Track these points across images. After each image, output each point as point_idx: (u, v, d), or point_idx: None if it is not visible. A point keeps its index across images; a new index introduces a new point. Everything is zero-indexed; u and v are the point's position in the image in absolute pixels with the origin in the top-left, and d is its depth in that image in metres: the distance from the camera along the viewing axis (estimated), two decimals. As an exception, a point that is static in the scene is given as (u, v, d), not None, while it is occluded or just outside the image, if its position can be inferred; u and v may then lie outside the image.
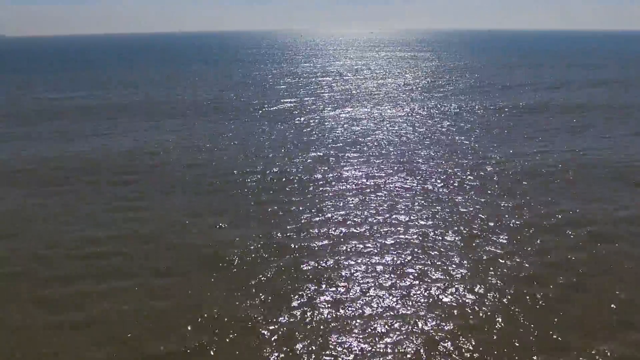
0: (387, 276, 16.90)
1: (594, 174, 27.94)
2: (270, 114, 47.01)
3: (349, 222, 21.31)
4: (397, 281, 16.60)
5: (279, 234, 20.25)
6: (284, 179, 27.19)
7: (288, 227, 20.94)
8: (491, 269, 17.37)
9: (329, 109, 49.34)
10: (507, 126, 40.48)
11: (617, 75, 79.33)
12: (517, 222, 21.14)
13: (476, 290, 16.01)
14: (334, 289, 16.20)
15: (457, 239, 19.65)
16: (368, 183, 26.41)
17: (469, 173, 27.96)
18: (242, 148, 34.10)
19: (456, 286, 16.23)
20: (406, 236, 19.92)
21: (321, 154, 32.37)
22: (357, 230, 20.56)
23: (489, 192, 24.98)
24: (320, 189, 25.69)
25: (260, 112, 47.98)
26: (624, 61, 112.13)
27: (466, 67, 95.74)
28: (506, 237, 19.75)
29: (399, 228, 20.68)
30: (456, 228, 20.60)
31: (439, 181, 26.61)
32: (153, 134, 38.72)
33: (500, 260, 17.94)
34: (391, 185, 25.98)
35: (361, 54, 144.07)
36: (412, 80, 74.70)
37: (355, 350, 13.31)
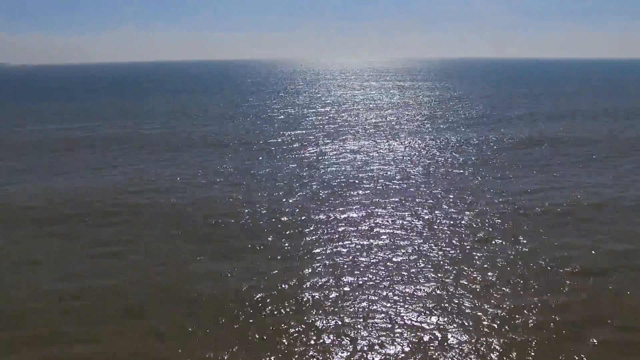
0: (394, 337, 15.42)
1: (605, 212, 26.60)
2: (268, 146, 45.93)
3: (350, 271, 19.91)
4: (405, 342, 15.11)
5: (276, 285, 18.82)
6: (281, 220, 25.81)
7: (285, 277, 19.50)
8: (511, 324, 15.89)
9: (327, 141, 48.29)
10: (510, 160, 39.24)
11: (620, 104, 78.48)
12: (534, 270, 19.73)
13: (496, 350, 14.53)
14: (335, 352, 14.71)
15: (470, 289, 18.21)
16: (369, 225, 25.01)
17: (476, 212, 26.61)
18: (237, 185, 32.79)
19: (474, 344, 14.75)
20: (414, 287, 18.48)
21: (320, 191, 31.07)
22: (359, 280, 19.13)
23: (500, 234, 23.61)
24: (320, 231, 24.31)
25: (258, 144, 46.90)
26: (625, 90, 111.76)
27: (466, 97, 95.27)
28: (524, 287, 18.32)
29: (404, 277, 19.28)
30: (468, 278, 19.17)
31: (444, 222, 25.25)
32: (146, 169, 37.48)
33: (521, 314, 16.47)
34: (394, 228, 24.57)
35: (361, 84, 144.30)
36: (412, 110, 73.99)
37: None
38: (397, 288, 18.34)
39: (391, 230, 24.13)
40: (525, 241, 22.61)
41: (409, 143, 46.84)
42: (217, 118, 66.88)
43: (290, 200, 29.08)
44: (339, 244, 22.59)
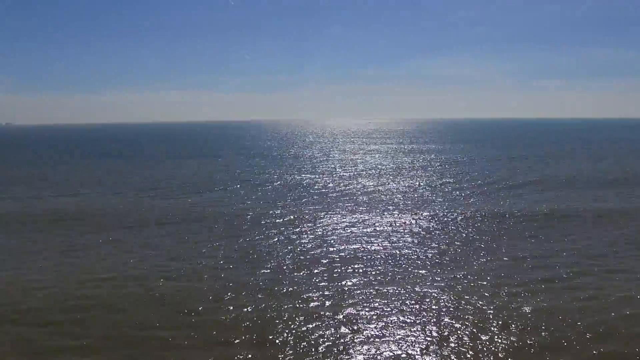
0: None
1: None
2: (259, 221, 42.10)
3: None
4: None
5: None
6: (268, 324, 21.78)
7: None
8: None
9: (324, 216, 44.26)
10: (525, 237, 35.40)
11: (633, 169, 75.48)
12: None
13: None
14: None
15: None
16: (371, 323, 21.08)
17: (494, 312, 22.60)
18: (219, 273, 28.68)
19: None
20: None
21: (317, 282, 27.13)
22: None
23: (527, 339, 19.58)
24: (316, 332, 20.35)
25: (247, 218, 43.20)
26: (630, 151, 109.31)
27: (469, 162, 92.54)
28: None
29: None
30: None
31: (465, 327, 21.23)
32: (119, 252, 33.50)
33: None
34: (398, 322, 20.80)
35: (359, 147, 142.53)
36: (413, 178, 70.93)
37: None
38: None
39: (395, 325, 20.28)
40: (559, 354, 18.58)
41: (410, 217, 43.14)
42: (206, 187, 63.51)
43: (281, 294, 25.17)
44: (340, 350, 18.57)
